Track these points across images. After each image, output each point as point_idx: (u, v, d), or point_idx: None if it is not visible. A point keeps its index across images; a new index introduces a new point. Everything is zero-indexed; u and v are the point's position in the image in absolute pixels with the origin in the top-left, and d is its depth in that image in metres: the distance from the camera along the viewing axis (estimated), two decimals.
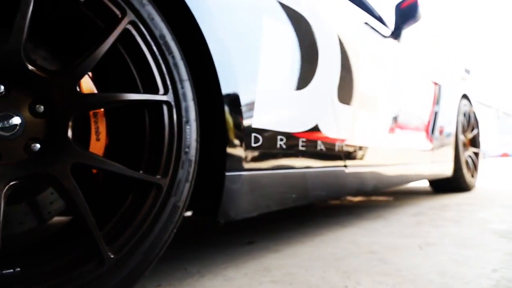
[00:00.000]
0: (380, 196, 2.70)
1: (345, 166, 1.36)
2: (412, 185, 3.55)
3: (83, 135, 0.78)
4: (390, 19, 2.03)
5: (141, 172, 0.74)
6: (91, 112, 0.79)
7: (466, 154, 2.82)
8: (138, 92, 0.76)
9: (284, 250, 1.17)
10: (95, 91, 0.83)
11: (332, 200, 2.53)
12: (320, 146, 1.22)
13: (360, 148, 1.47)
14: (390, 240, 1.26)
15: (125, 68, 0.76)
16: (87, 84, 0.81)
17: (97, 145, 0.80)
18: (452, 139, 2.50)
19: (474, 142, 3.03)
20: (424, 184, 3.31)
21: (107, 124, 0.81)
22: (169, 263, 1.08)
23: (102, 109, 0.80)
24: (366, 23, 1.68)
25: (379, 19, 2.00)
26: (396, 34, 1.95)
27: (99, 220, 0.70)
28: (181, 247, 1.28)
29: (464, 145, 2.80)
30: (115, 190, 0.76)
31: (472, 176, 2.85)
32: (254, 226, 1.64)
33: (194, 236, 1.50)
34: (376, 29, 1.74)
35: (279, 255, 1.11)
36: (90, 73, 0.81)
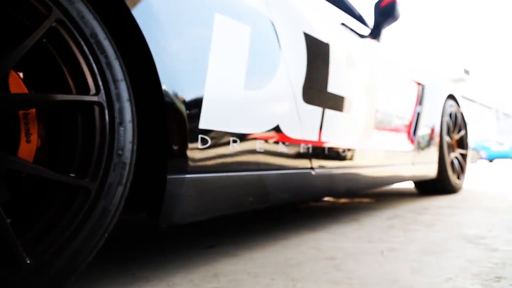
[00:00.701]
0: (363, 198, 2.67)
1: (311, 168, 1.33)
2: (398, 186, 3.52)
3: (10, 137, 0.75)
4: (371, 18, 2.00)
5: (70, 175, 0.72)
6: (20, 113, 0.76)
7: (452, 155, 2.78)
8: (70, 92, 0.73)
9: (242, 254, 1.14)
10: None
11: (314, 202, 2.50)
12: (282, 147, 1.18)
13: (330, 149, 1.44)
14: (355, 245, 1.22)
15: (56, 68, 0.73)
16: (19, 85, 0.78)
17: (28, 147, 0.77)
18: (436, 140, 2.47)
19: (461, 143, 2.99)
20: (410, 186, 3.27)
21: (39, 125, 0.78)
22: (120, 267, 1.04)
23: (34, 110, 0.77)
24: (342, 23, 1.64)
25: (359, 19, 1.96)
26: (375, 34, 1.91)
27: (25, 224, 0.68)
28: (139, 251, 1.25)
29: (450, 146, 2.77)
30: (43, 194, 0.73)
31: (459, 178, 2.82)
32: (221, 229, 1.61)
33: (156, 240, 1.47)
34: (352, 29, 1.70)
35: (234, 260, 1.08)
36: (21, 74, 0.78)
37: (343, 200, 2.53)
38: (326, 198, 2.63)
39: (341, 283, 0.86)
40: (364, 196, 2.74)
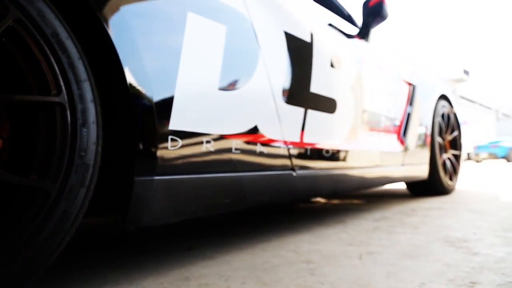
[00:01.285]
0: (353, 199, 2.65)
1: (293, 169, 1.31)
2: (390, 187, 3.50)
3: None
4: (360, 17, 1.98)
5: (31, 177, 0.70)
6: None
7: (445, 156, 2.76)
8: (30, 93, 0.72)
9: (219, 257, 1.12)
10: None
11: (303, 203, 2.48)
12: (261, 148, 1.16)
13: (313, 150, 1.42)
14: (335, 248, 1.21)
15: (16, 68, 0.71)
16: None
17: None
18: (427, 141, 2.45)
19: (454, 144, 2.97)
20: (403, 187, 3.26)
21: (1, 126, 0.77)
22: (94, 269, 1.03)
23: None
24: (329, 23, 1.62)
25: (348, 18, 1.95)
26: (363, 34, 1.90)
27: None
28: (117, 253, 1.23)
29: (442, 147, 2.75)
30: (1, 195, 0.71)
31: (451, 179, 2.80)
32: (202, 231, 1.59)
33: (135, 241, 1.45)
34: (339, 29, 1.69)
35: (210, 263, 1.06)
36: None
37: (334, 202, 2.52)
38: (316, 199, 2.62)
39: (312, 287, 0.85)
40: (354, 197, 2.72)
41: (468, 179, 4.61)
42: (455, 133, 2.97)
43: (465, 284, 0.85)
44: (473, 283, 0.86)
